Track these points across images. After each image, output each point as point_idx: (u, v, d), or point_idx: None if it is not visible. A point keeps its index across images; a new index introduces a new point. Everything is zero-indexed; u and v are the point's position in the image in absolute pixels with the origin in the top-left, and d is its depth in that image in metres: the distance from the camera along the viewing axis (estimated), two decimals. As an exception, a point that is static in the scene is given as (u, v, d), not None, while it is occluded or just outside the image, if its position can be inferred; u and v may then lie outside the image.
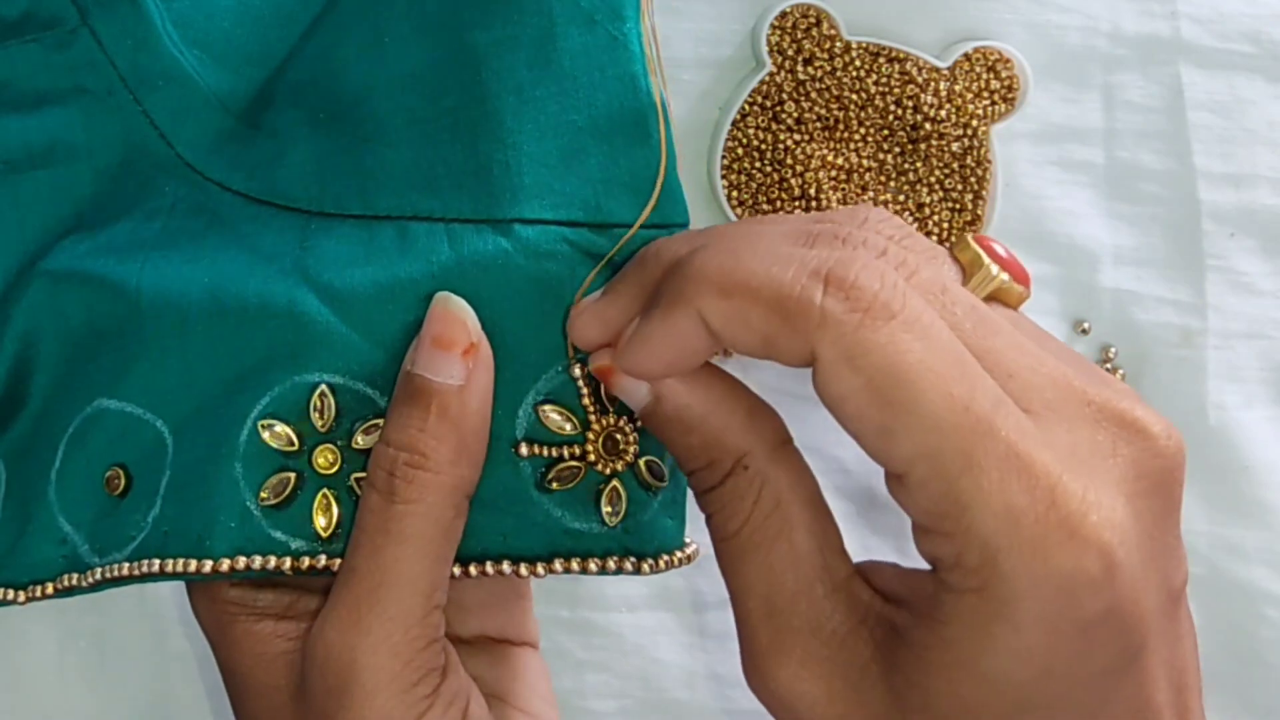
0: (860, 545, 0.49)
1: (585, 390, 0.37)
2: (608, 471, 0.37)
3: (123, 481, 0.37)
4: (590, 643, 0.49)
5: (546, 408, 0.37)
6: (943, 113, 0.47)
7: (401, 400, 0.36)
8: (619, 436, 0.37)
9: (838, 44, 0.46)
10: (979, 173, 0.47)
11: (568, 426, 0.37)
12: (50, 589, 0.38)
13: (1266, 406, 0.50)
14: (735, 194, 0.47)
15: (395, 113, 0.38)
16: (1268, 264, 0.50)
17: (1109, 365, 0.49)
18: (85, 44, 0.39)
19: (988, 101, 0.47)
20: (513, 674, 0.41)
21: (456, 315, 0.36)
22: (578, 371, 0.37)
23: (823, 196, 0.46)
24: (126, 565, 0.36)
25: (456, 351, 0.36)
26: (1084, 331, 0.49)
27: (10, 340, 0.39)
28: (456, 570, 0.37)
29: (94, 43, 0.39)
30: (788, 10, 0.46)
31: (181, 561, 0.36)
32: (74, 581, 0.37)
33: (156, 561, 0.36)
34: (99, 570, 0.37)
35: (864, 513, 0.49)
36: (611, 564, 0.37)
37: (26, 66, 0.39)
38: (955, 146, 0.47)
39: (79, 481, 0.38)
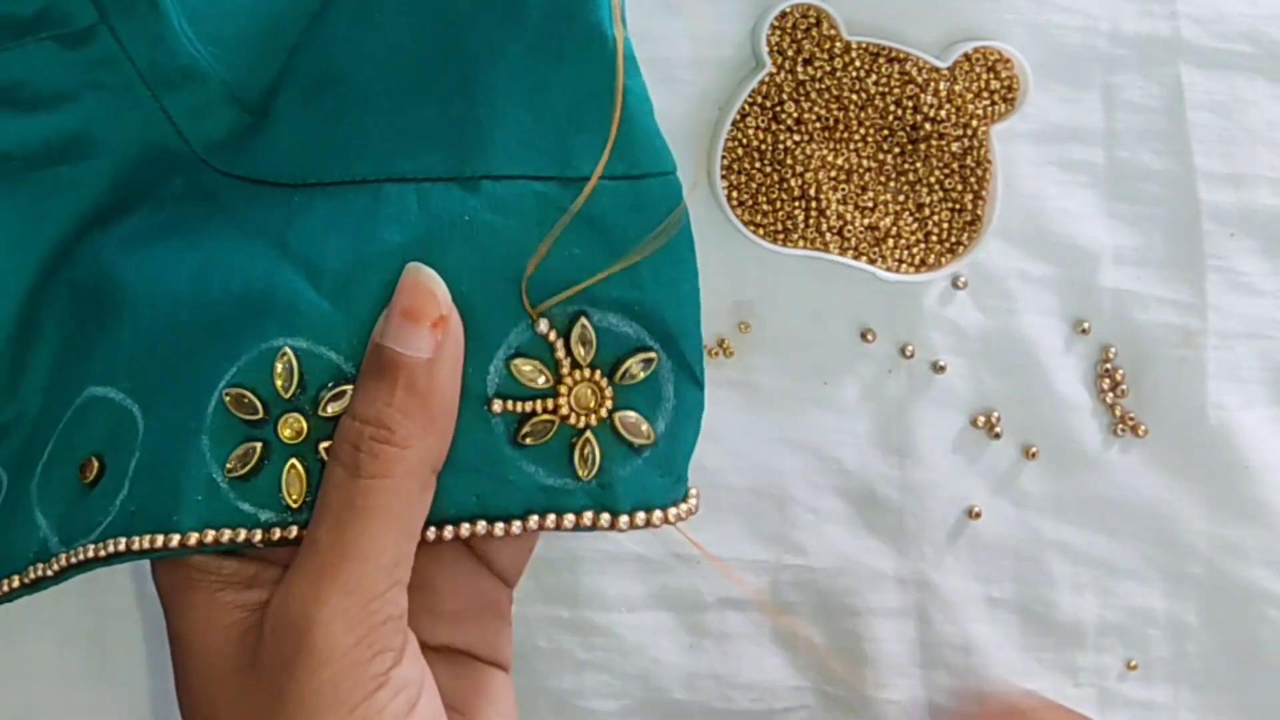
0: (860, 546, 0.49)
1: (556, 343, 0.37)
2: (581, 425, 0.37)
3: (95, 469, 0.37)
4: (590, 643, 0.49)
5: (518, 361, 0.37)
6: (943, 113, 0.47)
7: (369, 373, 0.36)
8: (592, 390, 0.37)
9: (838, 44, 0.46)
10: (979, 173, 0.47)
11: (540, 380, 0.37)
12: (17, 582, 0.38)
13: (1266, 406, 0.50)
14: (735, 194, 0.47)
15: (378, 81, 0.38)
16: (1268, 264, 0.50)
17: (1109, 365, 0.49)
18: (104, 41, 0.39)
19: (988, 102, 0.47)
20: (476, 688, 0.41)
21: (426, 286, 0.36)
22: (544, 326, 0.37)
23: (822, 197, 0.46)
24: (92, 548, 0.36)
25: (425, 324, 0.36)
26: (1084, 331, 0.49)
27: (45, 348, 0.39)
28: (431, 534, 0.37)
29: (112, 40, 0.39)
30: (788, 10, 0.46)
31: (148, 538, 0.35)
32: (40, 572, 0.37)
33: (123, 540, 0.36)
34: (63, 557, 0.37)
35: (864, 513, 0.49)
36: (586, 519, 0.37)
37: (44, 64, 0.39)
38: (955, 147, 0.47)
39: (59, 473, 0.38)
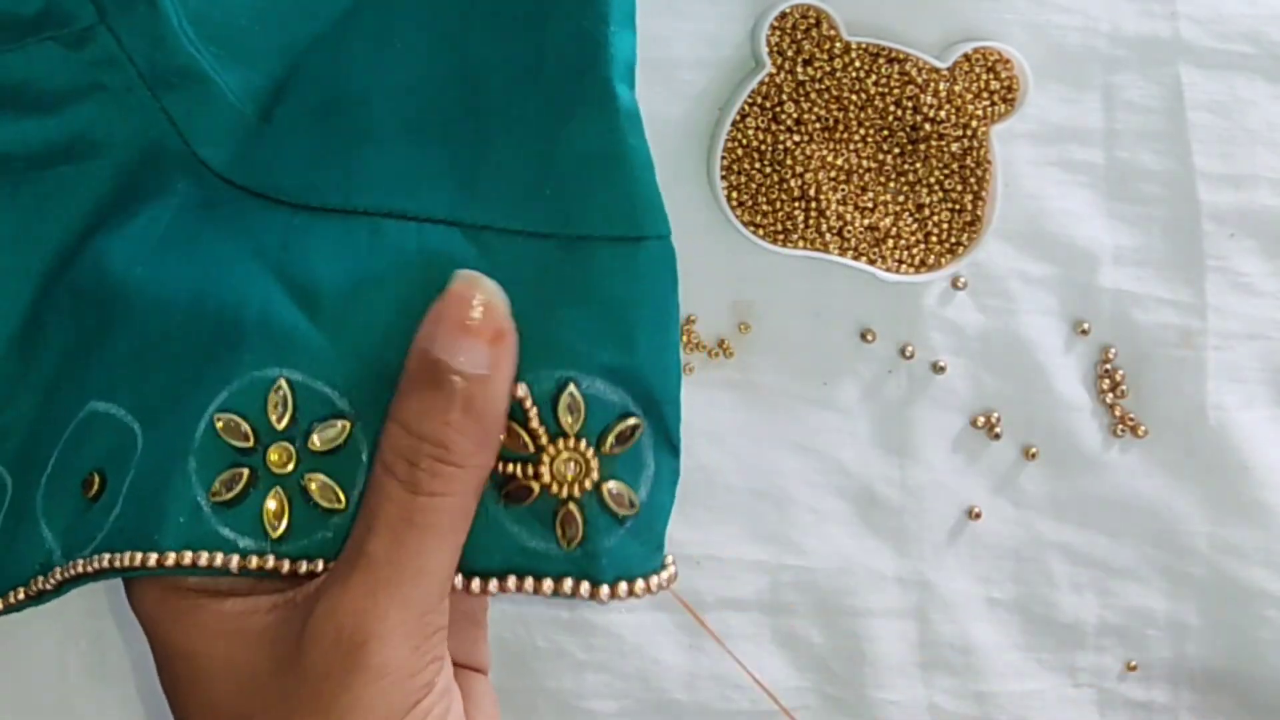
0: (859, 547, 0.49)
1: (532, 412, 0.36)
2: (564, 495, 0.36)
3: (97, 485, 0.37)
4: (590, 643, 0.49)
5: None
6: (942, 113, 0.47)
7: (422, 384, 0.35)
8: (576, 461, 0.36)
9: (837, 44, 0.46)
10: (979, 173, 0.47)
11: (521, 444, 0.36)
12: (22, 594, 0.38)
13: (1266, 407, 0.50)
14: (735, 194, 0.47)
15: (391, 116, 0.38)
16: (1268, 264, 0.50)
17: (1109, 366, 0.49)
18: (104, 41, 0.39)
19: (987, 102, 0.47)
20: (459, 693, 0.40)
21: (488, 298, 0.35)
22: (521, 391, 0.36)
23: (822, 197, 0.46)
24: (82, 563, 0.36)
25: (485, 338, 0.35)
26: (1084, 332, 0.49)
27: (48, 352, 0.39)
28: None
29: (112, 40, 0.39)
30: (787, 10, 0.46)
31: (129, 555, 0.35)
32: (41, 585, 0.37)
33: (107, 556, 0.35)
34: (58, 571, 0.37)
35: (864, 513, 0.49)
36: (567, 587, 0.36)
37: (45, 65, 0.39)
38: (955, 147, 0.47)
39: (63, 486, 0.38)
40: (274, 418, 0.36)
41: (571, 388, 0.36)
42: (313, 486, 0.36)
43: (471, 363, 0.35)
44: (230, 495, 0.36)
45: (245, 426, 0.36)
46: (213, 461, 0.36)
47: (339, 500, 0.37)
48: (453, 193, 0.37)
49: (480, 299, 0.35)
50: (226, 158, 0.39)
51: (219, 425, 0.36)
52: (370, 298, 0.36)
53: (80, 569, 0.36)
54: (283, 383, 0.36)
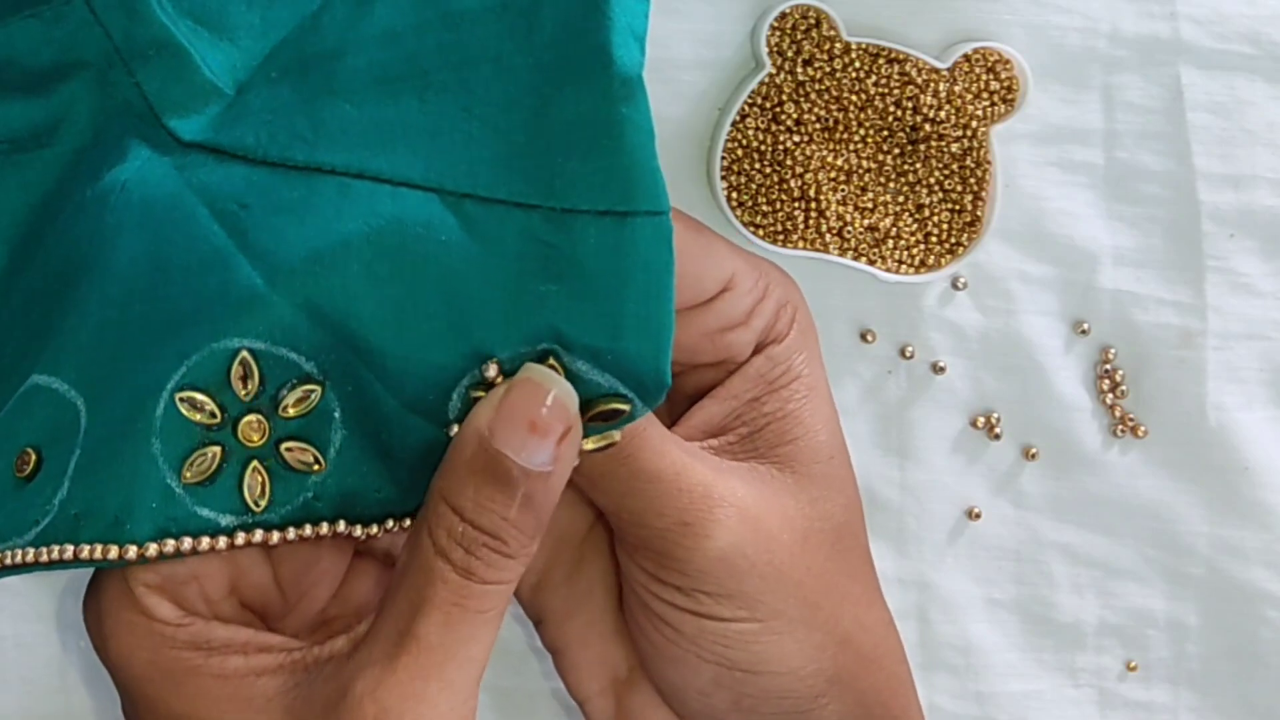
0: (860, 546, 0.49)
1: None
2: None
3: (32, 463, 0.36)
4: (590, 643, 0.49)
5: (479, 394, 0.36)
6: (942, 114, 0.47)
7: (480, 474, 0.34)
8: None
9: (837, 45, 0.46)
10: (979, 174, 0.47)
11: None
12: None
13: (1266, 407, 0.50)
14: (735, 195, 0.47)
15: (366, 68, 0.36)
16: (1268, 265, 0.50)
17: (1109, 366, 0.49)
18: (81, 15, 0.38)
19: (987, 103, 0.47)
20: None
21: (560, 400, 0.35)
22: (493, 371, 0.35)
23: (822, 198, 0.46)
24: (31, 551, 0.34)
25: (552, 438, 0.34)
26: (1083, 332, 0.49)
27: (17, 332, 0.39)
28: (401, 525, 0.37)
29: (89, 14, 0.38)
30: (787, 11, 0.46)
31: (100, 547, 0.34)
32: None
33: (70, 548, 0.34)
34: None
35: (864, 514, 0.49)
36: None
37: (28, 43, 0.38)
38: (955, 148, 0.47)
39: None
40: (240, 391, 0.35)
41: (551, 362, 0.36)
42: (289, 454, 0.36)
43: (535, 460, 0.34)
44: (204, 475, 0.35)
45: (210, 404, 0.35)
46: (179, 441, 0.35)
47: (318, 462, 0.36)
48: (430, 153, 0.36)
49: (550, 395, 0.35)
50: (194, 129, 0.37)
51: (181, 404, 0.35)
52: (335, 263, 0.35)
53: (31, 558, 0.34)
54: (245, 354, 0.35)
